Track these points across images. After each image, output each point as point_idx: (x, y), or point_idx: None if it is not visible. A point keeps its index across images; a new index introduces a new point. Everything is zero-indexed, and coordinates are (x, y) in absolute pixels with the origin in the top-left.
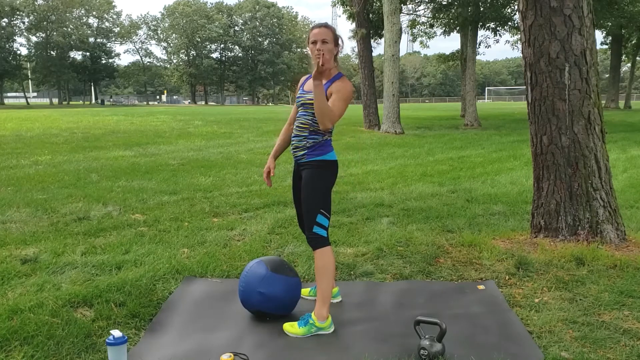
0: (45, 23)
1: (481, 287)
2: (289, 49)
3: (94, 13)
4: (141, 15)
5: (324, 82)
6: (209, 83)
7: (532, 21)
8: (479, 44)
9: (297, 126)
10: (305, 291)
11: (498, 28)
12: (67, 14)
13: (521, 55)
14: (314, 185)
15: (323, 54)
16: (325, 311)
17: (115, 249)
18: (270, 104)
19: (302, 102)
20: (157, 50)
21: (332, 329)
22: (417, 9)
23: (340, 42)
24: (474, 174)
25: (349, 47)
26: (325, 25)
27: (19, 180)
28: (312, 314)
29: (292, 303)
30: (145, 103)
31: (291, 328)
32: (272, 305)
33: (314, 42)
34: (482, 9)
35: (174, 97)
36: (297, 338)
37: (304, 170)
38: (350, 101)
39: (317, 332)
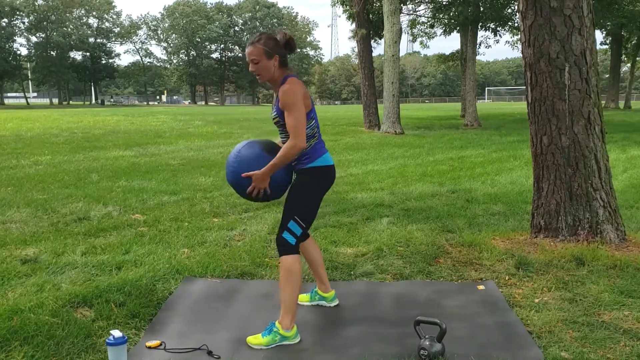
0: (45, 23)
1: (481, 287)
2: None
3: (94, 13)
4: (141, 15)
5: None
6: (209, 83)
7: (532, 21)
8: (479, 44)
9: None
10: (304, 297)
11: (498, 28)
12: (67, 14)
13: (521, 55)
14: (298, 191)
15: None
16: (289, 320)
17: (115, 249)
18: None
19: (274, 122)
20: (157, 51)
21: (298, 339)
22: (417, 9)
23: (277, 49)
24: (474, 174)
25: (349, 47)
26: (252, 43)
27: (19, 180)
28: (276, 322)
29: (288, 182)
30: (145, 103)
31: (254, 340)
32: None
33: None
34: (482, 9)
35: (174, 97)
36: (297, 340)
37: (298, 176)
38: (301, 96)
39: (282, 341)
